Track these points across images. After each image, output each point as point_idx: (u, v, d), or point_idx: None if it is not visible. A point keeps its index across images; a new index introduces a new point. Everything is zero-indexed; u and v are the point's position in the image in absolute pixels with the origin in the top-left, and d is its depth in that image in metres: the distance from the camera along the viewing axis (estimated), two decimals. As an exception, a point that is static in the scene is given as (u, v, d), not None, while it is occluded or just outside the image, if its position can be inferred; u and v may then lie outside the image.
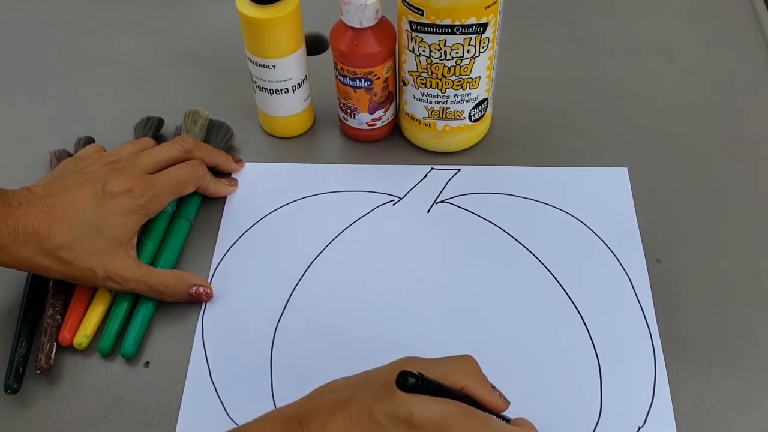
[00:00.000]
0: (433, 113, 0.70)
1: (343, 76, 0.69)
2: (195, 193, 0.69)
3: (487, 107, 0.71)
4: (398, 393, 0.44)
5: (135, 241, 0.63)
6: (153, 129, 0.74)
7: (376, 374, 0.47)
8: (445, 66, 0.66)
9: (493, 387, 0.49)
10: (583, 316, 0.62)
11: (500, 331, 0.62)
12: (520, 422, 0.50)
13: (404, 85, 0.70)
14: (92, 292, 0.64)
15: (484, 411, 0.48)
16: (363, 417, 0.44)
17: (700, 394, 0.58)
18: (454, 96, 0.68)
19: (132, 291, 0.62)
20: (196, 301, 0.63)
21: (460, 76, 0.66)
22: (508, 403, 0.49)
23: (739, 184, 0.71)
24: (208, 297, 0.63)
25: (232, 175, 0.72)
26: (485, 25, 0.63)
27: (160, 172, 0.65)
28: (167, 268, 0.65)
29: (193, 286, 0.63)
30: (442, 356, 0.49)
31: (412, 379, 0.43)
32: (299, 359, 0.61)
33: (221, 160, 0.71)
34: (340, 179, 0.72)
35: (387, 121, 0.74)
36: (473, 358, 0.49)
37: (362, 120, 0.72)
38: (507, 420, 0.50)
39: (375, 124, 0.73)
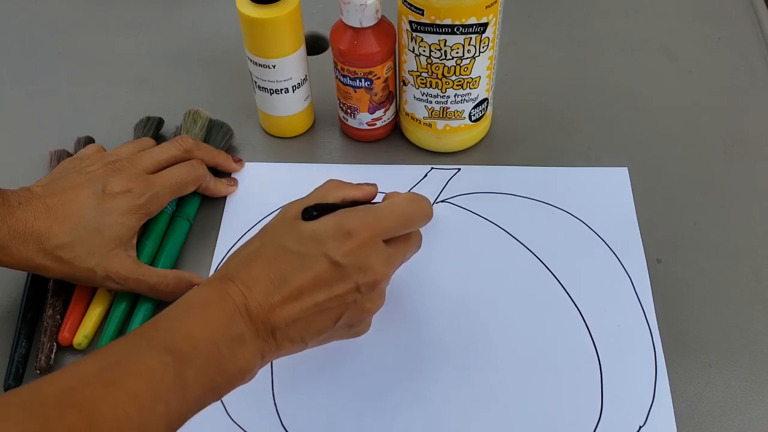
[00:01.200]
0: (433, 113, 0.70)
1: (343, 76, 0.69)
2: (195, 193, 0.69)
3: (487, 107, 0.71)
4: (298, 223, 0.52)
5: (135, 240, 0.63)
6: (153, 129, 0.74)
7: (272, 223, 0.54)
8: (445, 66, 0.66)
9: (359, 184, 0.57)
10: (583, 316, 0.62)
11: (500, 330, 0.61)
12: (389, 196, 0.58)
13: (404, 84, 0.70)
14: (92, 292, 0.64)
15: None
16: (277, 253, 0.50)
17: (700, 394, 0.58)
18: (455, 96, 0.68)
19: (132, 291, 0.62)
20: None
21: (460, 76, 0.66)
22: (376, 184, 0.58)
23: (739, 184, 0.71)
24: None
25: (232, 175, 0.72)
26: (485, 25, 0.63)
27: (160, 172, 0.65)
28: (167, 267, 0.65)
29: (193, 285, 0.63)
30: (312, 191, 0.56)
31: (314, 212, 0.53)
32: (299, 358, 0.60)
33: (221, 159, 0.71)
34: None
35: (387, 121, 0.74)
36: (333, 179, 0.57)
37: (362, 120, 0.72)
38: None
39: (375, 124, 0.73)
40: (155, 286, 0.62)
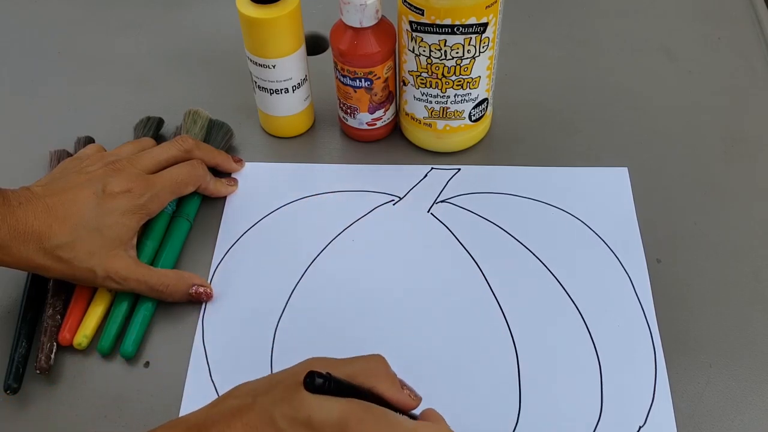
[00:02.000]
0: (433, 113, 0.70)
1: (343, 76, 0.69)
2: (195, 193, 0.69)
3: (487, 107, 0.71)
4: (299, 394, 0.44)
5: (135, 240, 0.63)
6: (153, 129, 0.74)
7: (281, 377, 0.47)
8: (445, 66, 0.66)
9: (403, 384, 0.48)
10: (583, 316, 0.62)
11: (500, 330, 0.61)
12: (428, 415, 0.49)
13: (404, 84, 0.70)
14: (92, 292, 0.64)
15: (395, 410, 0.47)
16: (263, 422, 0.44)
17: (700, 394, 0.58)
18: (455, 96, 0.68)
19: (132, 291, 0.62)
20: (196, 301, 0.63)
21: (460, 76, 0.66)
22: (419, 399, 0.49)
23: (739, 184, 0.71)
24: (208, 297, 0.63)
25: (232, 175, 0.72)
26: (485, 25, 0.63)
27: (160, 172, 0.65)
28: (167, 267, 0.65)
29: (193, 285, 0.63)
30: (352, 357, 0.48)
31: (320, 380, 0.43)
32: (299, 359, 0.60)
33: (221, 159, 0.71)
34: (340, 179, 0.72)
35: (387, 121, 0.74)
36: (382, 357, 0.48)
37: (362, 120, 0.72)
38: (414, 417, 0.49)
39: (375, 124, 0.73)
40: (156, 286, 0.62)
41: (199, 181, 0.68)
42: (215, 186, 0.70)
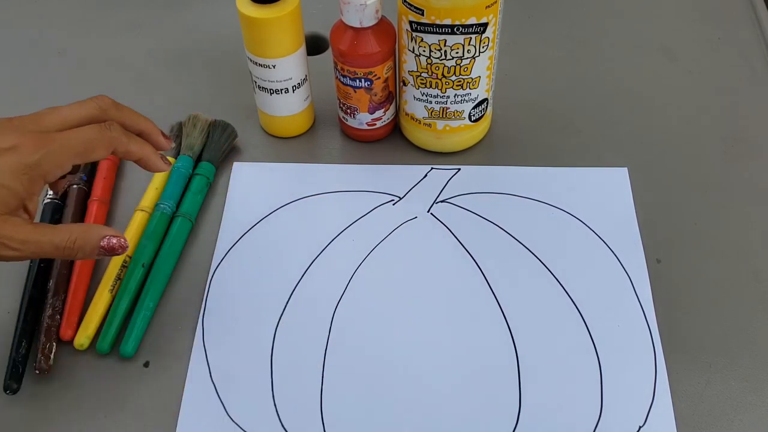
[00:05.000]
0: (433, 113, 0.70)
1: (343, 76, 0.69)
2: (196, 193, 0.69)
3: (487, 107, 0.71)
4: None
5: (34, 204, 0.54)
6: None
7: None
8: (445, 66, 0.66)
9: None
10: (583, 316, 0.62)
11: (500, 330, 0.61)
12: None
13: (404, 85, 0.70)
14: (88, 282, 0.64)
15: None
16: None
17: (700, 394, 0.58)
18: (454, 96, 0.68)
19: (37, 256, 0.54)
20: (109, 254, 0.55)
21: (460, 76, 0.67)
22: None
23: (739, 184, 0.71)
24: (123, 249, 0.55)
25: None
26: (485, 25, 0.63)
27: (65, 131, 0.55)
28: (167, 268, 0.65)
29: (105, 237, 0.55)
30: None
31: None
32: (299, 359, 0.61)
33: (146, 126, 0.60)
34: (340, 179, 0.72)
35: (387, 121, 0.74)
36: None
37: (362, 120, 0.72)
38: None
39: (375, 124, 0.73)
40: (61, 243, 0.53)
41: (113, 144, 0.56)
42: (144, 152, 0.58)
